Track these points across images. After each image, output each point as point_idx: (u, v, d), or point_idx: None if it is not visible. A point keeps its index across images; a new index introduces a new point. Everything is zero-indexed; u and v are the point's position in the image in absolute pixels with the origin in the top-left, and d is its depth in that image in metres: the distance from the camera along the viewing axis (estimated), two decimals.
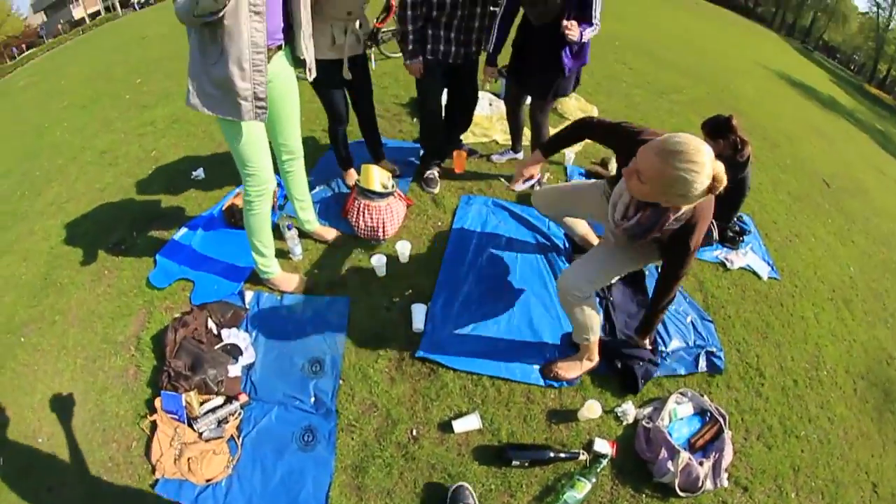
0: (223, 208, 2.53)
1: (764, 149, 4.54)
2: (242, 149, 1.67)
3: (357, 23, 2.15)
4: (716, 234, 2.46)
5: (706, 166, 1.18)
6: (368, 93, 2.49)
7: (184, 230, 2.50)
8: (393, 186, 2.36)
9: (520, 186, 2.72)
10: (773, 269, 2.62)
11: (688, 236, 1.41)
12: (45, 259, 2.69)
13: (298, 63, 1.79)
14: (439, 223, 2.55)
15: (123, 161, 3.60)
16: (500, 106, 3.74)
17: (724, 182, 1.22)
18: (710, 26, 15.37)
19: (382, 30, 4.49)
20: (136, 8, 29.22)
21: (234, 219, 2.44)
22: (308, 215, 2.31)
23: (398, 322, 2.03)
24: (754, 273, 2.54)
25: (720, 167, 1.21)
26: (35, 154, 4.79)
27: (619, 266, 1.72)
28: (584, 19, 2.09)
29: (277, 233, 2.22)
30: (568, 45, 2.18)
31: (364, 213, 2.28)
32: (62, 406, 1.84)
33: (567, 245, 2.42)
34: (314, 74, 1.84)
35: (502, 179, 2.87)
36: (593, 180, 2.17)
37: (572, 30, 2.03)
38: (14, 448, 1.75)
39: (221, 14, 1.34)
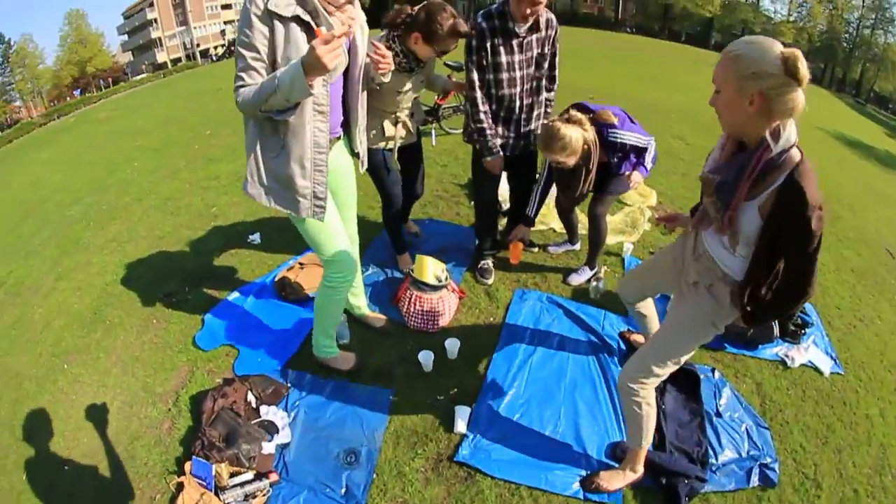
0: (275, 279, 2.58)
1: (825, 224, 4.30)
2: (314, 238, 1.66)
3: (408, 113, 2.25)
4: (776, 331, 2.31)
5: (771, 42, 1.07)
6: (422, 174, 2.63)
7: (235, 294, 2.57)
8: (446, 279, 2.34)
9: (575, 279, 2.73)
10: (836, 362, 2.41)
11: (797, 195, 1.10)
12: (98, 294, 2.84)
13: (353, 154, 1.83)
14: (491, 318, 2.46)
15: (185, 212, 3.80)
16: None
17: (801, 60, 1.03)
18: None
19: (444, 106, 4.54)
20: (214, 59, 32.10)
21: (284, 292, 2.48)
22: (359, 301, 2.28)
23: (440, 421, 1.96)
24: (816, 369, 2.34)
25: (791, 51, 1.05)
26: (104, 188, 5.16)
27: (689, 333, 1.50)
28: (639, 157, 2.20)
29: None
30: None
31: (416, 304, 2.26)
32: (93, 441, 1.89)
33: (623, 346, 2.32)
34: (366, 166, 1.89)
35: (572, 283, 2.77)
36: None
37: (635, 177, 2.16)
38: (40, 466, 1.83)
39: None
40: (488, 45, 2.08)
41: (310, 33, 1.31)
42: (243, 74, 1.30)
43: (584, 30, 25.94)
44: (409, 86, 2.12)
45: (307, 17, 1.29)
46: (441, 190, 3.77)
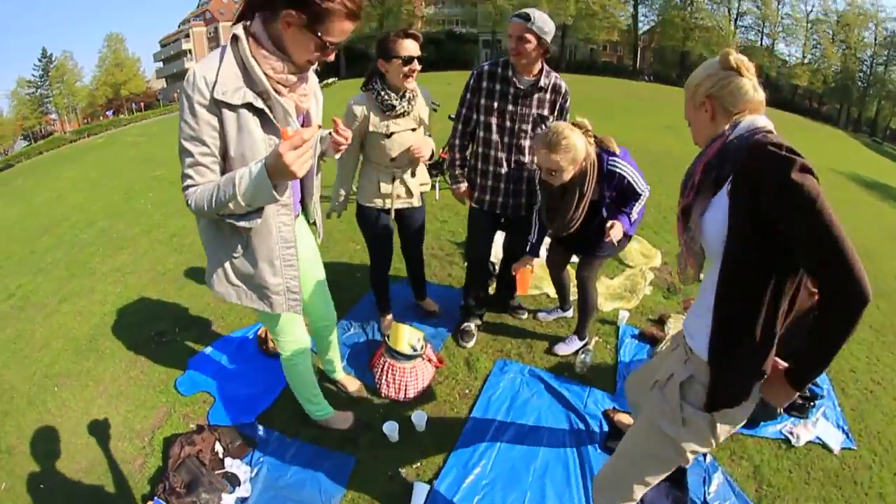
0: (258, 332, 2.58)
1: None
2: (272, 325, 1.59)
3: (407, 172, 2.15)
4: (781, 409, 2.15)
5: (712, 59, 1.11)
6: (419, 242, 2.48)
7: (219, 342, 2.60)
8: (423, 347, 2.25)
9: (563, 349, 2.57)
10: (847, 436, 2.21)
11: (765, 153, 0.89)
12: (96, 322, 2.97)
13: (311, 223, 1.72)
14: (468, 390, 2.32)
15: (188, 250, 3.91)
16: None
17: (732, 52, 1.06)
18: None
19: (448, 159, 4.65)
20: None
21: (265, 346, 2.47)
22: (335, 364, 2.22)
23: (398, 495, 1.83)
24: (825, 446, 2.14)
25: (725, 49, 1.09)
26: (119, 214, 5.37)
27: (665, 449, 1.16)
28: (626, 205, 1.99)
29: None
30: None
31: (388, 372, 2.19)
32: (69, 466, 1.95)
33: (605, 427, 2.13)
34: (322, 237, 1.77)
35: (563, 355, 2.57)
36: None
37: (615, 231, 1.88)
38: (14, 477, 1.92)
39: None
40: (484, 85, 2.06)
41: (262, 119, 1.17)
42: (191, 172, 1.14)
43: (602, 78, 26.53)
44: (393, 129, 2.02)
45: (259, 104, 1.14)
46: (436, 248, 3.63)
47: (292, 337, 1.66)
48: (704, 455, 1.98)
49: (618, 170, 1.92)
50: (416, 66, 1.92)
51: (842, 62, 34.10)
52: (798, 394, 1.02)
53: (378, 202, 2.15)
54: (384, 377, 2.19)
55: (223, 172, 1.18)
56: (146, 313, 2.99)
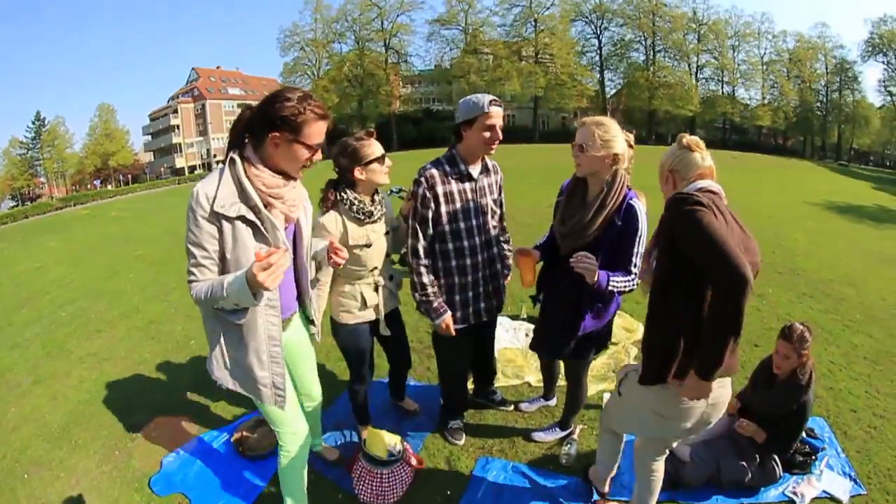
0: (233, 435, 2.46)
1: (829, 311, 4.22)
2: (272, 417, 1.63)
3: (387, 276, 2.06)
4: (779, 471, 2.06)
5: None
6: (404, 346, 2.37)
7: (195, 442, 2.49)
8: (401, 452, 2.10)
9: (541, 436, 2.41)
10: (856, 482, 2.12)
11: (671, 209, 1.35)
12: (71, 408, 2.86)
13: (310, 321, 1.81)
14: (449, 491, 2.15)
15: (166, 339, 3.83)
16: None
17: (687, 136, 1.50)
18: (751, 179, 15.79)
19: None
20: None
21: (241, 447, 2.36)
22: (318, 439, 2.25)
23: None
24: (832, 499, 2.04)
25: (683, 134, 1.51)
26: (99, 295, 5.30)
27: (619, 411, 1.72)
28: (619, 265, 1.75)
29: None
30: (591, 304, 1.88)
31: (365, 478, 2.07)
32: None
33: None
34: (319, 337, 1.83)
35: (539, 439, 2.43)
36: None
37: (585, 264, 1.62)
38: None
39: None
40: (440, 191, 1.88)
41: (254, 229, 1.36)
42: (195, 270, 1.34)
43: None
44: (373, 237, 1.93)
45: (251, 216, 1.33)
46: (414, 340, 3.28)
47: (292, 429, 1.67)
48: None
49: (635, 209, 1.74)
50: (389, 161, 1.92)
51: (799, 96, 36.52)
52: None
53: (367, 315, 2.03)
54: (361, 484, 2.07)
55: (222, 272, 1.36)
56: (122, 403, 2.89)
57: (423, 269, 1.95)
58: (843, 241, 7.46)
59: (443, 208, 1.91)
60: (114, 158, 42.00)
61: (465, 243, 1.97)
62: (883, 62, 33.87)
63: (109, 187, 35.42)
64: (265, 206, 1.37)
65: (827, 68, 36.31)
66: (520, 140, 30.60)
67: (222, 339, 1.46)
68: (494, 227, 2.07)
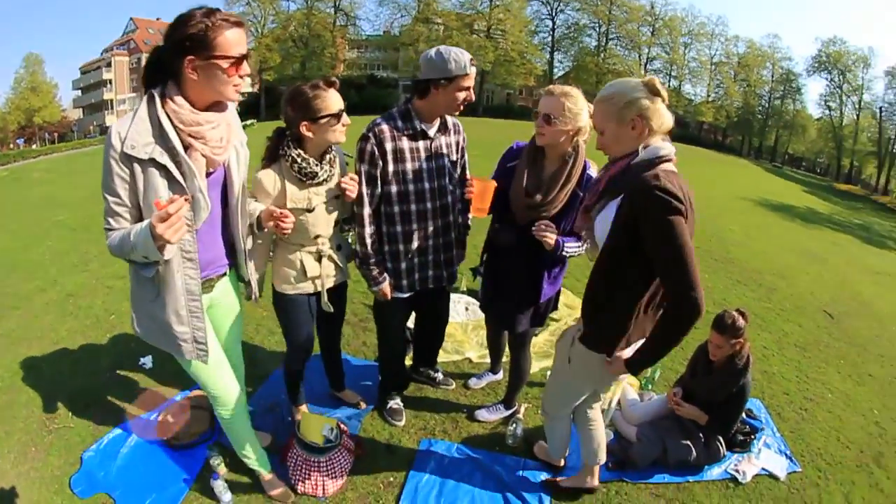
0: (159, 420, 2.23)
1: (762, 300, 4.51)
2: (198, 375, 1.56)
3: (334, 245, 1.84)
4: (723, 450, 2.15)
5: (627, 78, 1.31)
6: (339, 319, 2.14)
7: (117, 431, 2.23)
8: (338, 437, 1.95)
9: (485, 415, 2.35)
10: (791, 460, 2.29)
11: (648, 191, 1.20)
12: None
13: (241, 279, 1.68)
14: (392, 477, 2.04)
15: (84, 315, 3.46)
16: (478, 311, 3.19)
17: (657, 81, 1.28)
18: (690, 170, 16.55)
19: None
20: None
21: (167, 436, 2.14)
22: None
23: None
24: (771, 476, 2.18)
25: (648, 77, 1.30)
26: (14, 267, 4.74)
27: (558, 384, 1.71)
28: (573, 232, 1.75)
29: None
30: (548, 270, 1.86)
31: (301, 467, 1.92)
32: None
33: (546, 500, 1.96)
34: (257, 296, 1.71)
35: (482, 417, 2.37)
36: None
37: (547, 233, 1.62)
38: None
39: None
40: (389, 148, 1.71)
41: (168, 176, 1.22)
42: (110, 219, 1.24)
43: (519, 122, 27.35)
44: (316, 201, 1.69)
45: (164, 159, 1.19)
46: (348, 313, 2.88)
47: (223, 385, 1.62)
48: None
49: (594, 179, 1.67)
50: (347, 119, 1.63)
51: (743, 99, 38.68)
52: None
53: (307, 287, 1.81)
54: (298, 473, 1.92)
55: (138, 219, 1.24)
56: (37, 391, 2.55)
57: (367, 240, 1.80)
58: (775, 236, 8.06)
59: (390, 167, 1.73)
60: (39, 115, 37.58)
61: (413, 207, 1.80)
62: (826, 79, 36.40)
63: (34, 147, 31.73)
64: (185, 149, 1.23)
65: (773, 76, 38.57)
66: (463, 113, 30.05)
67: (140, 292, 1.38)
68: (451, 192, 1.88)
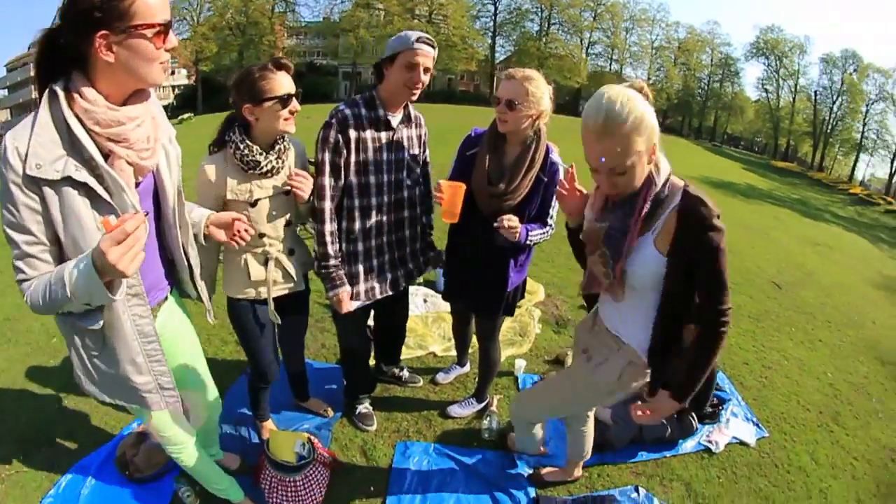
0: (116, 454, 2.01)
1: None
2: (158, 422, 1.35)
3: (286, 248, 1.66)
4: (695, 423, 2.23)
5: (631, 93, 1.09)
6: (301, 330, 2.00)
7: (69, 476, 1.97)
8: (311, 452, 1.82)
9: (457, 411, 2.29)
10: (758, 426, 2.41)
11: (700, 204, 1.09)
12: None
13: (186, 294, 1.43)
14: (372, 486, 1.94)
15: (23, 340, 3.06)
16: (438, 302, 3.19)
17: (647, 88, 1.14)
18: None
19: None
20: None
21: (128, 470, 1.94)
22: (215, 448, 1.92)
23: None
24: (742, 443, 2.30)
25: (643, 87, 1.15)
26: None
27: (587, 400, 1.58)
28: (538, 219, 1.75)
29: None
30: (514, 258, 1.82)
31: (277, 488, 1.78)
32: None
33: (533, 493, 1.95)
34: (213, 317, 1.50)
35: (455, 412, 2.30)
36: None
37: (512, 225, 1.58)
38: None
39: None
40: (353, 136, 1.60)
41: (90, 195, 0.96)
42: (21, 265, 0.96)
43: (461, 107, 27.48)
44: (258, 194, 1.53)
45: (82, 175, 0.93)
46: None
47: (177, 430, 1.41)
48: (637, 489, 1.97)
49: (556, 164, 1.72)
50: (297, 105, 1.49)
51: (683, 82, 40.46)
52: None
53: (250, 293, 1.64)
54: (274, 495, 1.79)
55: (60, 260, 0.98)
56: None
57: (327, 238, 1.67)
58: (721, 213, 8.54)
59: (352, 157, 1.63)
60: None
61: (374, 201, 1.71)
62: (764, 64, 38.54)
63: None
64: (105, 157, 0.97)
65: (712, 61, 40.41)
66: None
67: (81, 348, 1.13)
68: (409, 187, 1.81)
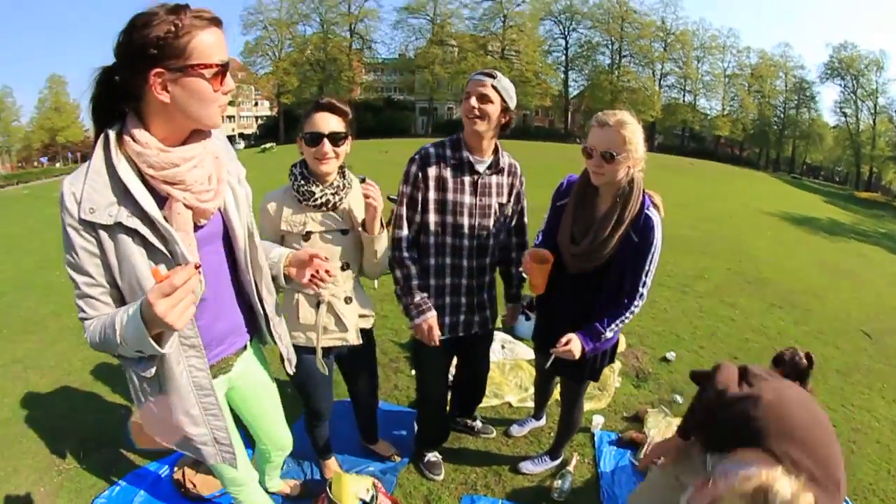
0: (174, 472, 2.09)
1: (799, 323, 4.31)
2: (219, 469, 1.33)
3: (339, 294, 1.57)
4: None
5: None
6: (370, 388, 1.97)
7: (130, 479, 2.08)
8: (374, 498, 1.79)
9: (530, 468, 2.16)
10: (846, 500, 2.08)
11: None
12: None
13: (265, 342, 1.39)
14: None
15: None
16: (516, 349, 3.08)
17: None
18: (709, 186, 16.35)
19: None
20: None
21: (183, 489, 2.00)
22: (273, 482, 1.93)
23: None
24: None
25: None
26: (30, 287, 4.75)
27: None
28: (623, 290, 1.57)
29: None
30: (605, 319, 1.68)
31: None
32: None
33: None
34: (293, 368, 1.43)
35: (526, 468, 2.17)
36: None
37: (567, 349, 1.51)
38: None
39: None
40: (433, 174, 1.61)
41: (144, 242, 0.94)
42: (81, 304, 0.96)
43: (537, 143, 27.23)
44: (314, 227, 1.49)
45: (134, 223, 0.91)
46: (378, 352, 2.78)
47: (238, 473, 1.36)
48: None
49: (652, 220, 1.50)
50: (327, 147, 1.42)
51: (758, 110, 38.33)
52: None
53: (299, 337, 1.55)
54: None
55: (122, 301, 0.98)
56: (47, 428, 2.46)
57: (406, 261, 1.67)
58: (803, 252, 7.78)
59: (431, 194, 1.64)
60: (62, 134, 38.75)
61: (449, 240, 1.69)
62: (840, 85, 36.05)
63: (58, 165, 32.78)
64: (163, 202, 0.95)
65: (787, 86, 38.31)
66: None
67: (139, 391, 1.09)
68: (493, 234, 1.75)
